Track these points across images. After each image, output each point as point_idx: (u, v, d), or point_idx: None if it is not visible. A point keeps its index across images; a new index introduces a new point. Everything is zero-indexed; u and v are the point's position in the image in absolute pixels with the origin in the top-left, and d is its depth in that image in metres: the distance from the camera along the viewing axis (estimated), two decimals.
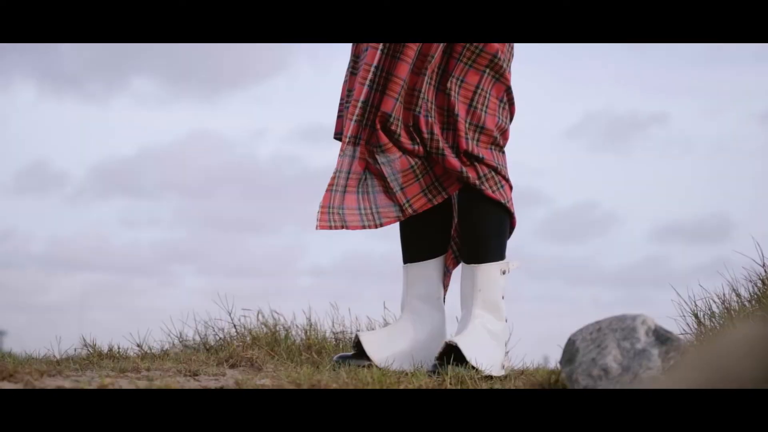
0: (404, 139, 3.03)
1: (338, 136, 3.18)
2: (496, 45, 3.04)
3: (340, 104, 3.18)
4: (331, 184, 3.02)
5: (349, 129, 3.01)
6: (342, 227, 3.03)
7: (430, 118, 3.03)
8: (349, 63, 3.18)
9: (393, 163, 3.05)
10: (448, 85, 3.04)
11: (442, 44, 3.01)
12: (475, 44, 3.02)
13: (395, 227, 3.22)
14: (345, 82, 3.18)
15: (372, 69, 2.99)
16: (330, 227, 3.01)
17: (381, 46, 2.99)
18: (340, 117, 3.18)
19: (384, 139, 3.02)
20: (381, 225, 3.07)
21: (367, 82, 3.00)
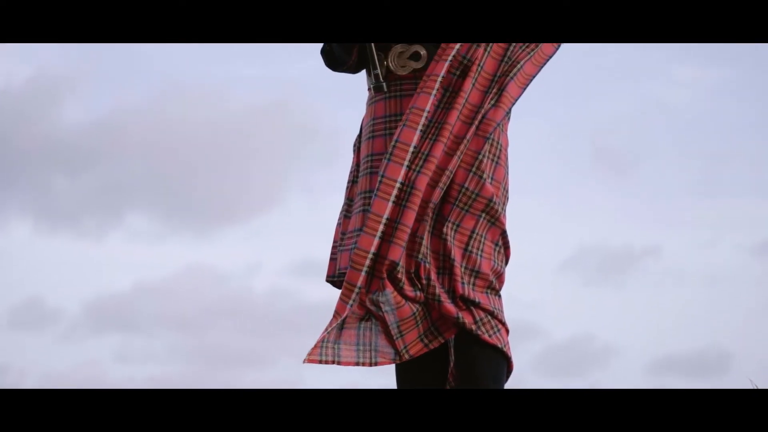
0: (407, 287, 3.03)
1: (330, 279, 3.18)
2: (491, 189, 3.05)
3: (333, 246, 3.19)
4: (329, 326, 3.00)
5: (358, 279, 2.99)
6: (333, 362, 2.99)
7: (427, 264, 3.03)
8: (343, 206, 3.20)
9: (396, 311, 3.03)
10: (444, 230, 3.04)
11: (441, 190, 3.02)
12: (470, 189, 3.04)
13: (391, 366, 3.19)
14: (338, 224, 3.20)
15: (383, 221, 3.00)
16: (320, 362, 2.97)
17: (392, 197, 3.00)
18: (333, 260, 3.18)
19: (390, 287, 3.01)
20: (375, 364, 3.04)
21: (378, 234, 2.99)
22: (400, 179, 3.01)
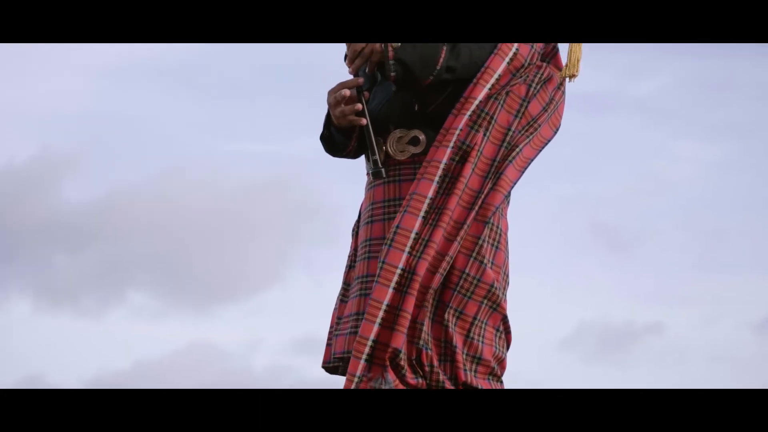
0: (408, 374, 3.00)
1: (326, 365, 3.17)
2: (492, 274, 3.05)
3: (330, 332, 3.18)
4: None
5: (358, 368, 2.97)
6: None
7: (428, 350, 3.01)
8: (340, 291, 3.20)
9: None
10: (445, 316, 3.02)
11: (441, 276, 3.01)
12: (471, 275, 3.03)
13: None
14: (335, 309, 3.19)
15: (384, 307, 2.98)
16: None
17: (393, 283, 2.99)
18: (329, 345, 3.16)
19: (392, 374, 2.99)
20: None
21: (378, 320, 2.97)
22: (401, 265, 2.99)
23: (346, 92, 3.07)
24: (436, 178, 3.04)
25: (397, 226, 3.03)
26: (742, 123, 8.10)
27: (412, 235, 3.01)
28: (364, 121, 3.08)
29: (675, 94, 8.27)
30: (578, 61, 3.26)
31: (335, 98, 3.09)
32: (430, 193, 3.04)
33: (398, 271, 2.99)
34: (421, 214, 3.03)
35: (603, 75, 7.57)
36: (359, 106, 3.06)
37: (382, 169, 3.06)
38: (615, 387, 3.04)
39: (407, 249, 3.01)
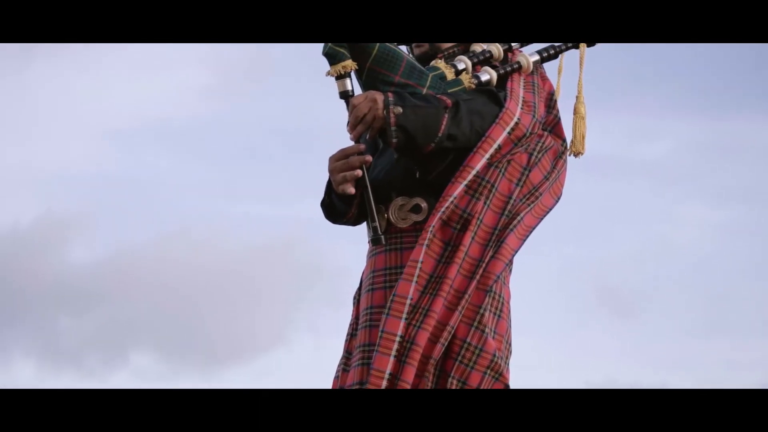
0: None
1: None
2: (494, 343, 3.03)
3: None
4: None
5: None
6: None
7: None
8: (341, 359, 3.18)
9: None
10: (447, 386, 3.00)
11: (442, 345, 2.99)
12: (473, 344, 3.01)
13: None
14: (336, 377, 3.18)
15: (386, 376, 2.96)
16: None
17: (393, 351, 2.97)
18: None
19: None
20: None
21: (381, 388, 2.96)
22: (399, 333, 2.98)
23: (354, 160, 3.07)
24: (425, 242, 3.03)
25: (394, 294, 3.02)
26: (747, 186, 8.10)
27: (408, 302, 3.00)
28: (352, 190, 3.06)
29: (681, 157, 8.28)
30: (583, 137, 3.27)
31: (336, 165, 3.09)
32: (421, 257, 3.02)
33: (397, 338, 2.98)
34: (414, 279, 3.01)
35: (609, 138, 7.59)
36: (359, 172, 3.06)
37: (382, 236, 3.06)
38: None
39: (404, 316, 2.99)
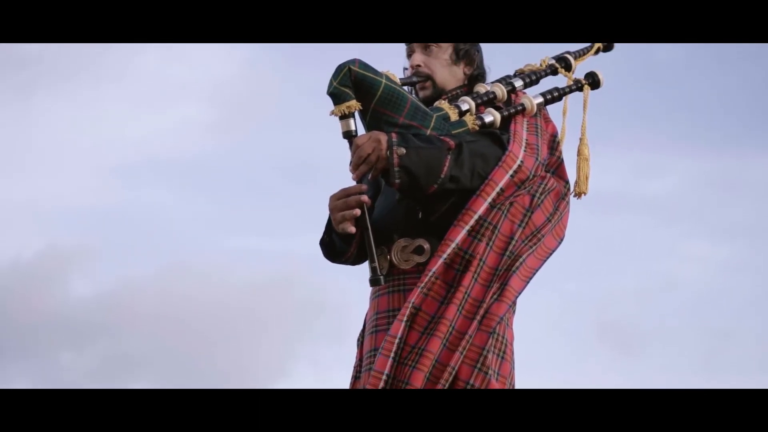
0: None
1: None
2: (497, 385, 2.99)
3: None
4: None
5: None
6: None
7: None
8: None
9: None
10: None
11: (443, 386, 2.96)
12: (476, 386, 2.97)
13: None
14: None
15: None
16: None
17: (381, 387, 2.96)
18: None
19: None
20: None
21: None
22: (386, 371, 2.95)
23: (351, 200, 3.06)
24: (422, 286, 3.01)
25: (388, 334, 3.00)
26: (751, 223, 8.09)
27: (396, 341, 2.98)
28: (352, 229, 3.05)
29: (684, 193, 8.27)
30: (587, 178, 3.27)
31: (336, 204, 3.08)
32: (414, 299, 3.00)
33: (383, 377, 2.95)
34: (405, 319, 2.99)
35: (613, 175, 7.59)
36: (357, 212, 3.05)
37: (381, 277, 3.03)
38: None
39: (391, 355, 2.97)
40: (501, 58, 3.44)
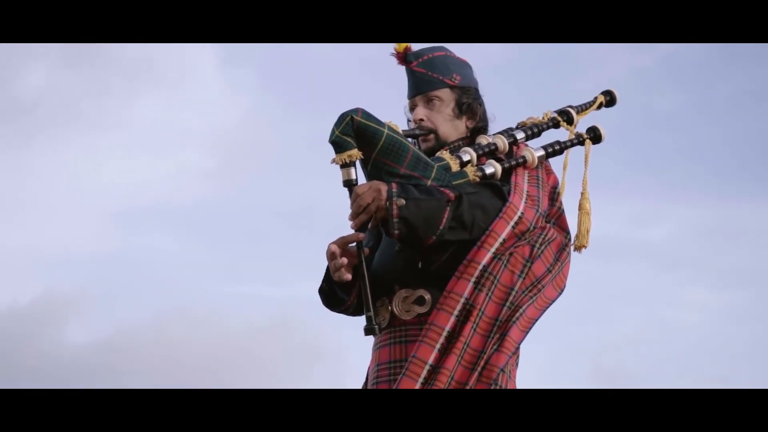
0: None
1: None
2: None
3: None
4: None
5: None
6: None
7: None
8: None
9: None
10: None
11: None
12: None
13: None
14: None
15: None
16: None
17: None
18: None
19: None
20: None
21: None
22: None
23: (338, 252, 3.05)
24: (438, 345, 2.99)
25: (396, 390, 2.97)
26: (749, 270, 8.09)
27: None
28: (348, 277, 3.05)
29: (682, 241, 8.28)
30: (588, 231, 3.26)
31: (334, 252, 3.07)
32: (431, 360, 2.98)
33: None
34: (420, 380, 2.97)
35: (612, 222, 7.60)
36: (345, 260, 3.04)
37: (376, 327, 3.01)
38: None
39: None
40: (503, 111, 3.44)
